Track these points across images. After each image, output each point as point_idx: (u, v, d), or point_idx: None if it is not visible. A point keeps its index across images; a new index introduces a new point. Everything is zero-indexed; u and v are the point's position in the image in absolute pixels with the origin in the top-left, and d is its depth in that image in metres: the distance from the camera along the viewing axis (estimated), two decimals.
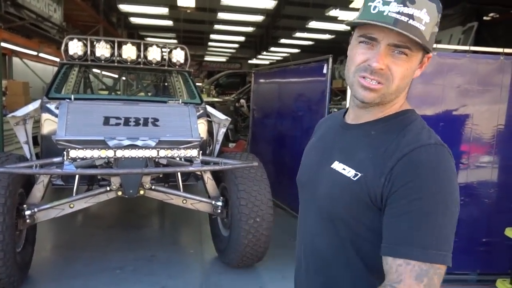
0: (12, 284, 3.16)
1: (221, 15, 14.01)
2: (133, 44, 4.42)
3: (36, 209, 3.33)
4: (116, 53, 4.34)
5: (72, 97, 3.96)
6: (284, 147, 5.72)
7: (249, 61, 24.41)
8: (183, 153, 3.47)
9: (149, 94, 7.10)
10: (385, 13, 0.92)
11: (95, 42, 4.30)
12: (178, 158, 3.62)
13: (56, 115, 3.66)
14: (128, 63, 4.41)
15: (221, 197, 3.87)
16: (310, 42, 18.55)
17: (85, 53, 4.29)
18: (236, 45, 21.55)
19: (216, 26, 16.37)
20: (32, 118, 3.97)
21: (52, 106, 3.89)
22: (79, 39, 4.29)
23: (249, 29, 16.98)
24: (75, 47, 4.25)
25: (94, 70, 7.07)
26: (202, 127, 4.12)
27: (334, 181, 1.02)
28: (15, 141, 5.76)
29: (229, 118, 4.64)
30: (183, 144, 3.47)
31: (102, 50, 4.30)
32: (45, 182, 3.42)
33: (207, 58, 26.35)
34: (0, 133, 5.17)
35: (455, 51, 4.21)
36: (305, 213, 1.15)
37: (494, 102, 3.60)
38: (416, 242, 0.86)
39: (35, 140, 4.16)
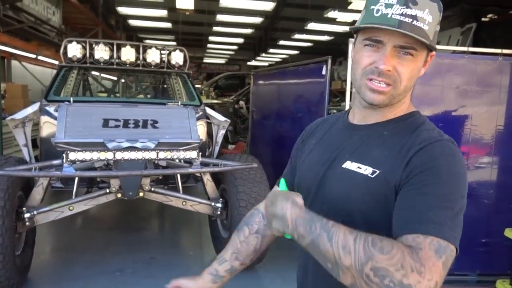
0: (12, 287, 3.15)
1: (220, 17, 14.03)
2: (132, 46, 4.43)
3: (35, 212, 3.32)
4: (115, 56, 4.35)
5: (71, 99, 3.96)
6: (284, 148, 5.71)
7: (248, 63, 24.45)
8: (183, 155, 3.47)
9: (148, 96, 7.10)
10: (388, 16, 0.93)
11: (94, 45, 4.31)
12: (177, 160, 3.62)
13: (55, 118, 3.65)
14: (127, 65, 4.42)
15: (221, 199, 3.86)
16: (309, 44, 18.60)
17: (84, 55, 4.29)
18: (235, 47, 21.58)
19: (215, 28, 16.40)
20: (31, 121, 3.97)
21: (51, 108, 3.90)
22: (78, 42, 4.30)
23: (248, 31, 17.01)
24: (74, 49, 4.26)
25: (93, 72, 7.08)
26: (201, 129, 4.12)
27: (348, 180, 1.01)
28: (14, 144, 5.76)
29: (228, 120, 4.65)
30: (183, 146, 3.46)
31: (101, 52, 4.30)
32: (44, 185, 3.41)
33: (206, 60, 26.41)
34: None
35: (454, 52, 4.22)
36: None
37: (493, 103, 3.60)
38: (432, 220, 0.84)
39: (34, 142, 4.17)
